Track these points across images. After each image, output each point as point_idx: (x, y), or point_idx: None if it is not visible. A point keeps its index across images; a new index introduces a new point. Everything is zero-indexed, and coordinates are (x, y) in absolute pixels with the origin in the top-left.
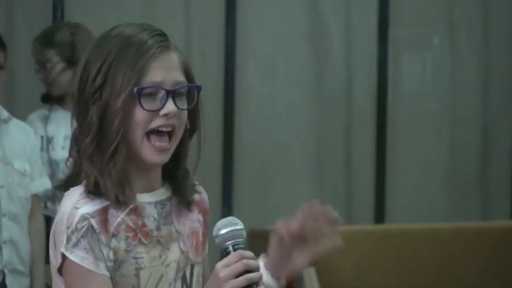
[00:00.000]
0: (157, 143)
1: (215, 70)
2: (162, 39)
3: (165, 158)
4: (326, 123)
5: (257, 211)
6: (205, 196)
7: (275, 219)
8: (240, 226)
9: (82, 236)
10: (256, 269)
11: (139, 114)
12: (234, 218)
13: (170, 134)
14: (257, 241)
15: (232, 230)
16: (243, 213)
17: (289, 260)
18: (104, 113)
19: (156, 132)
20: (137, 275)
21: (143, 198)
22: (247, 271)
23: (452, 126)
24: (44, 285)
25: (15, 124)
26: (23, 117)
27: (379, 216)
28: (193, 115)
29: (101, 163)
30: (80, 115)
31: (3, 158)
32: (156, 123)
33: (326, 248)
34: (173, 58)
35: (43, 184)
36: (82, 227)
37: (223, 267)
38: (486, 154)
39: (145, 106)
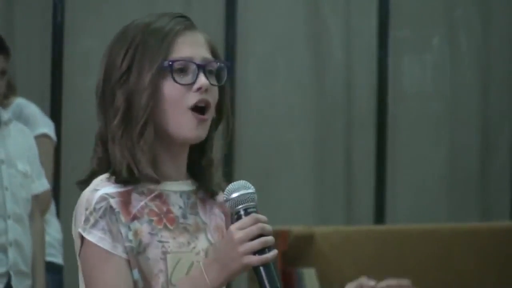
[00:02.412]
0: (197, 114)
1: None
2: (185, 19)
3: (203, 132)
4: (326, 123)
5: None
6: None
7: (275, 219)
8: (251, 189)
9: (100, 217)
10: (270, 233)
11: (171, 89)
12: (246, 181)
13: (204, 111)
14: None
15: (244, 193)
16: None
17: None
18: (131, 95)
19: (194, 109)
20: (164, 259)
21: (169, 186)
22: (261, 234)
23: (452, 126)
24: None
25: (16, 126)
26: None
27: (379, 216)
28: (220, 101)
29: (131, 144)
30: (105, 107)
31: (7, 160)
32: (192, 99)
33: None
34: (199, 36)
35: (43, 185)
36: (101, 207)
37: (238, 230)
38: (486, 154)
39: (177, 79)
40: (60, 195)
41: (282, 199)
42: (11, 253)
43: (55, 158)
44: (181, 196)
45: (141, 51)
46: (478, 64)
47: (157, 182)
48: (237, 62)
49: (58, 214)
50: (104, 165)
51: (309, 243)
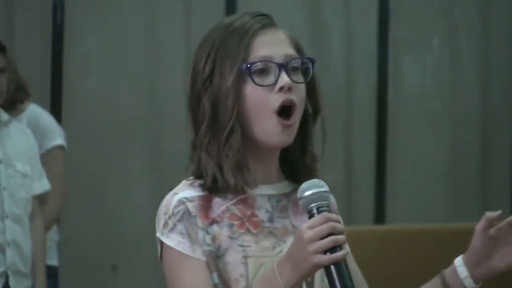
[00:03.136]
0: (281, 120)
1: None
2: (264, 17)
3: (288, 138)
4: (326, 123)
5: None
6: (332, 198)
7: None
8: (325, 188)
9: (178, 220)
10: (341, 232)
11: (253, 91)
12: (320, 180)
13: (290, 111)
14: None
15: (317, 192)
16: None
17: (490, 258)
18: (216, 99)
19: (280, 112)
20: (245, 264)
21: (257, 190)
22: (332, 233)
23: (452, 126)
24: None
25: (15, 127)
26: None
27: (379, 216)
28: (312, 95)
29: (217, 150)
30: (193, 111)
31: (5, 160)
32: (276, 100)
33: None
34: (279, 33)
35: (43, 185)
36: (179, 211)
37: (308, 229)
38: (486, 154)
39: (257, 81)
40: None
41: None
42: (9, 253)
43: None
44: (269, 199)
45: (221, 54)
46: (478, 64)
47: (241, 191)
48: None
49: None
50: (198, 165)
51: None
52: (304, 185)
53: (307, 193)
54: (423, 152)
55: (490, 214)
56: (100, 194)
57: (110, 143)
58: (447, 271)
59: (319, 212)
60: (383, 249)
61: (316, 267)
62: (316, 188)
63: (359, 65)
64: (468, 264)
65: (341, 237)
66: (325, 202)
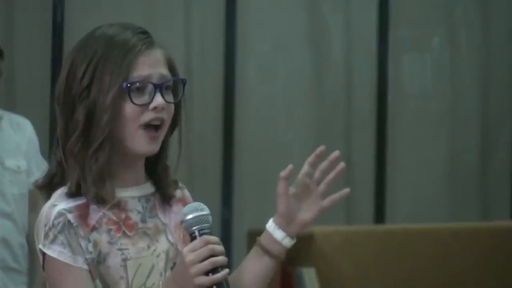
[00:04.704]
0: (147, 132)
1: (215, 70)
2: (146, 36)
3: (155, 147)
4: (326, 123)
5: (257, 211)
6: (186, 192)
7: None
8: (206, 211)
9: (59, 232)
10: (222, 253)
11: (129, 109)
12: (200, 203)
13: (158, 127)
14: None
15: (198, 215)
16: (243, 213)
17: (298, 213)
18: (91, 111)
19: (147, 126)
20: (125, 266)
21: (127, 193)
22: (212, 255)
23: (452, 126)
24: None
25: (8, 121)
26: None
27: (379, 216)
28: (176, 112)
29: (84, 160)
30: (66, 115)
31: None
32: (147, 117)
33: (335, 199)
34: (158, 53)
35: None
36: (59, 223)
37: (189, 252)
38: (486, 154)
39: (135, 100)
40: None
41: None
42: None
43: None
44: (139, 200)
45: (101, 68)
46: (478, 64)
47: (102, 202)
48: (237, 62)
49: None
50: (60, 170)
51: (309, 243)
52: (185, 208)
53: (189, 216)
54: (423, 152)
55: (283, 173)
56: None
57: None
58: (262, 238)
59: (200, 235)
60: (383, 249)
61: None
62: (197, 211)
63: (359, 64)
64: (281, 226)
65: (220, 258)
66: (206, 224)
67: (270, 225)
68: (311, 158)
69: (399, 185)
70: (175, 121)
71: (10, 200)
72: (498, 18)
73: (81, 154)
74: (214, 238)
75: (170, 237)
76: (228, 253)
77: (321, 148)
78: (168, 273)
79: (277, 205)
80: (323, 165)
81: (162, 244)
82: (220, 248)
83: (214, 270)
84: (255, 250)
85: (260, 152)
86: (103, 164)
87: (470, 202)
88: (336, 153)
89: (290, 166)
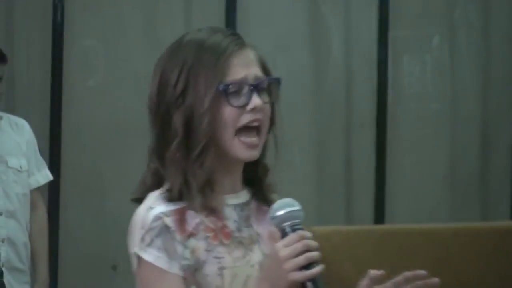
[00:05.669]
0: (248, 139)
1: None
2: (236, 38)
3: (255, 153)
4: (326, 123)
5: None
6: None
7: None
8: (297, 207)
9: (156, 236)
10: (316, 248)
11: (228, 112)
12: (291, 199)
13: (257, 130)
14: None
15: (289, 211)
16: None
17: None
18: (189, 117)
19: (245, 129)
20: (221, 275)
21: (224, 200)
22: (307, 250)
23: (452, 127)
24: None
25: (8, 121)
26: (23, 117)
27: (379, 216)
28: (272, 112)
29: (186, 167)
30: (160, 125)
31: None
32: (245, 119)
33: None
34: (250, 54)
35: (44, 176)
36: (156, 226)
37: (284, 247)
38: (486, 154)
39: (233, 102)
40: (60, 195)
41: (282, 198)
42: (3, 249)
43: (55, 157)
44: (235, 209)
45: (195, 73)
46: (478, 64)
47: (209, 209)
48: None
49: (57, 216)
50: (157, 180)
51: None
52: (276, 205)
53: (280, 212)
54: (423, 152)
55: (373, 274)
56: (100, 193)
57: (110, 143)
58: None
59: (292, 230)
60: (382, 249)
61: (293, 284)
62: (288, 207)
63: (359, 65)
64: None
65: (315, 253)
66: (297, 220)
67: None
68: (410, 275)
69: (399, 185)
70: (271, 121)
71: (14, 200)
72: (497, 18)
73: (183, 161)
74: (308, 233)
75: (263, 248)
76: None
77: (423, 274)
78: None
79: None
80: (419, 284)
81: (256, 255)
82: (314, 243)
83: (308, 265)
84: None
85: None
86: (209, 170)
87: (470, 202)
88: (435, 282)
89: (381, 272)
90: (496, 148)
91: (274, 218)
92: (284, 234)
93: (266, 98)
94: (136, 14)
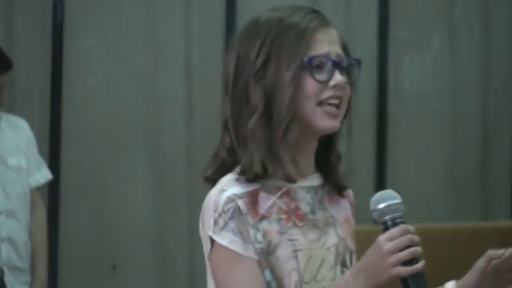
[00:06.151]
0: (329, 108)
1: (214, 70)
2: (319, 14)
3: (336, 124)
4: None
5: None
6: (350, 191)
7: None
8: (398, 200)
9: (229, 218)
10: (419, 243)
11: (310, 86)
12: (392, 191)
13: (337, 107)
14: None
15: (391, 204)
16: None
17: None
18: (270, 91)
19: (326, 104)
20: (295, 257)
21: (297, 182)
22: (410, 245)
23: (452, 126)
24: (46, 281)
25: (7, 121)
26: (22, 117)
27: None
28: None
29: (269, 143)
30: (237, 100)
31: None
32: (326, 94)
33: None
34: (333, 32)
35: (43, 176)
36: (229, 209)
37: (387, 241)
38: (486, 154)
39: (316, 76)
40: (60, 195)
41: None
42: (4, 249)
43: (55, 157)
44: (308, 191)
45: (278, 47)
46: (478, 64)
47: (294, 181)
48: None
49: (57, 216)
50: (231, 156)
51: None
52: (376, 196)
53: (381, 205)
54: (423, 152)
55: (493, 253)
56: (99, 193)
57: (110, 143)
58: None
59: (393, 224)
60: None
61: (393, 278)
62: (390, 200)
63: None
64: None
65: (419, 248)
66: (399, 213)
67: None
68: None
69: (399, 185)
70: (348, 108)
71: (14, 199)
72: (497, 18)
73: (265, 135)
74: (411, 228)
75: (339, 231)
76: None
77: None
78: (338, 268)
79: (469, 274)
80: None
81: (331, 237)
82: (417, 238)
83: (410, 260)
84: (475, 268)
85: None
86: (293, 144)
87: (470, 202)
88: None
89: (501, 251)
90: (496, 148)
91: (374, 211)
92: (385, 227)
93: (346, 78)
94: (136, 14)
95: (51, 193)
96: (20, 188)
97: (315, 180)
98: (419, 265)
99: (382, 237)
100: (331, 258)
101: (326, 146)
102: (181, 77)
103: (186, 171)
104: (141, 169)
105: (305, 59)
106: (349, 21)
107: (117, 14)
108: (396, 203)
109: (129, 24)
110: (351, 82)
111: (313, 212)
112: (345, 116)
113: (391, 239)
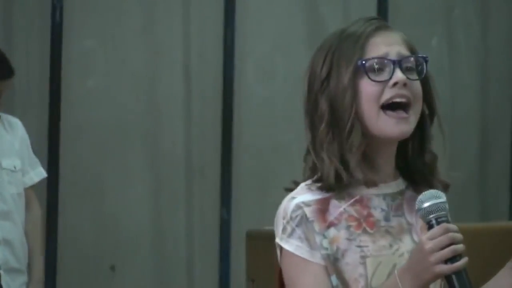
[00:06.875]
0: (394, 113)
1: (214, 71)
2: (378, 20)
3: (406, 128)
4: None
5: (256, 211)
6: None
7: (273, 220)
8: (443, 199)
9: (297, 225)
10: (461, 241)
11: (369, 87)
12: (437, 191)
13: (404, 106)
14: (255, 242)
15: (435, 203)
16: (242, 213)
17: None
18: (333, 99)
19: (391, 106)
20: (364, 263)
21: (371, 190)
22: (452, 243)
23: (450, 127)
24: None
25: (2, 122)
26: (21, 118)
27: None
28: (427, 96)
29: (339, 149)
30: (311, 113)
31: None
32: (388, 94)
33: None
34: (393, 34)
35: (38, 174)
36: (296, 216)
37: (429, 240)
38: (485, 154)
39: (372, 77)
40: (59, 195)
41: (281, 199)
42: (0, 251)
43: (54, 158)
44: (384, 198)
45: (338, 56)
46: (477, 64)
47: (372, 184)
48: (236, 63)
49: (56, 216)
50: (314, 174)
51: None
52: (422, 196)
53: (426, 204)
54: None
55: None
56: (98, 194)
57: (109, 143)
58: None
59: (438, 223)
60: None
61: (438, 276)
62: (434, 199)
63: None
64: None
65: (460, 246)
66: (443, 212)
67: None
68: None
69: None
70: (431, 109)
71: (9, 200)
72: (496, 18)
73: (333, 144)
74: (453, 226)
75: (415, 238)
76: (226, 254)
77: None
78: None
79: (502, 275)
80: None
81: (406, 244)
82: (459, 236)
83: (453, 258)
84: (507, 268)
85: (259, 153)
86: (360, 145)
87: (469, 202)
88: None
89: None
90: (495, 148)
91: (420, 210)
92: (430, 226)
93: (414, 76)
94: (135, 14)
95: (50, 194)
96: (14, 189)
97: (394, 186)
98: (461, 262)
99: (425, 237)
100: (403, 264)
101: (415, 148)
102: (179, 78)
103: (185, 171)
104: (139, 170)
105: (359, 62)
106: (348, 22)
107: (115, 14)
108: (440, 202)
109: (128, 25)
110: (422, 81)
111: (386, 219)
112: (433, 114)
113: (432, 238)
